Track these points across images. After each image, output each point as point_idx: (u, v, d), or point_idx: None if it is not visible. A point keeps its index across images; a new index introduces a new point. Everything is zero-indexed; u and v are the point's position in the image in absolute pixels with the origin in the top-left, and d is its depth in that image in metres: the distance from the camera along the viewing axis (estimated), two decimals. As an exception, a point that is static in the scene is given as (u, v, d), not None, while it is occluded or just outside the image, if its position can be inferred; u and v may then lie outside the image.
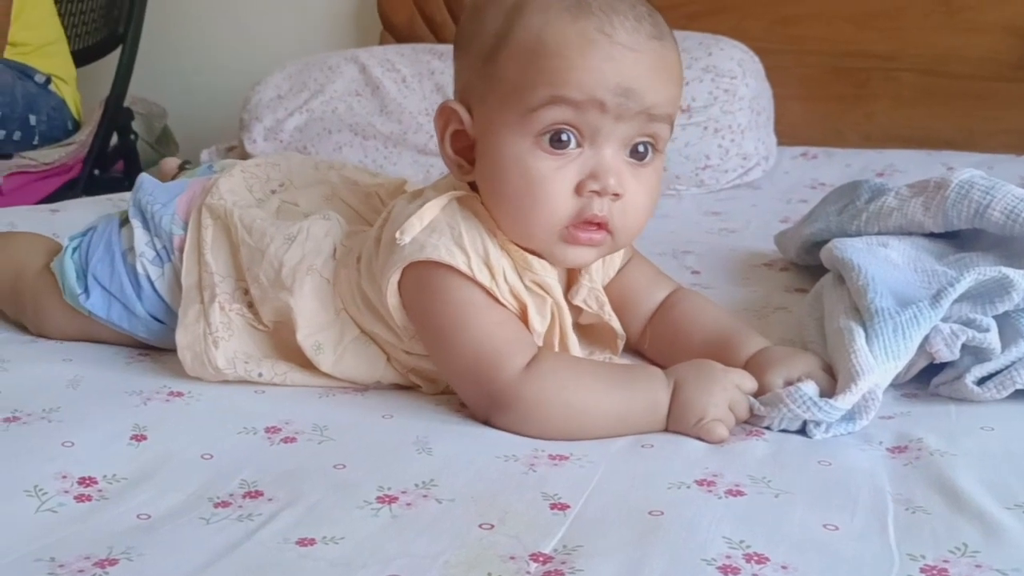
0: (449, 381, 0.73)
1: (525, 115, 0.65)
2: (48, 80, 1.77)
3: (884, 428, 0.66)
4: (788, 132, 1.61)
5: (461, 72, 0.72)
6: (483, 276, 0.68)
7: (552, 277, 0.70)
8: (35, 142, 1.74)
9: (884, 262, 0.80)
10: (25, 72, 1.72)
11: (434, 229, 0.68)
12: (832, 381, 0.66)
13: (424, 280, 0.68)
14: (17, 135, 1.70)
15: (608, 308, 0.76)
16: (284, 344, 0.75)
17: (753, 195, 1.47)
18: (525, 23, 0.66)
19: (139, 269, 0.79)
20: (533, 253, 0.70)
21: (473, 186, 0.72)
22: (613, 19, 0.65)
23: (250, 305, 0.76)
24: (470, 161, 0.71)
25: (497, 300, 0.68)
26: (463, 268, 0.67)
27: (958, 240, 0.90)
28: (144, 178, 0.84)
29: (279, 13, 2.09)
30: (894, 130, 1.61)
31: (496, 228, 0.69)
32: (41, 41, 1.79)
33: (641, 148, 0.68)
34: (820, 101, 1.66)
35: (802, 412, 0.64)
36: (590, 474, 0.60)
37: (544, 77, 0.65)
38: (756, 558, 0.50)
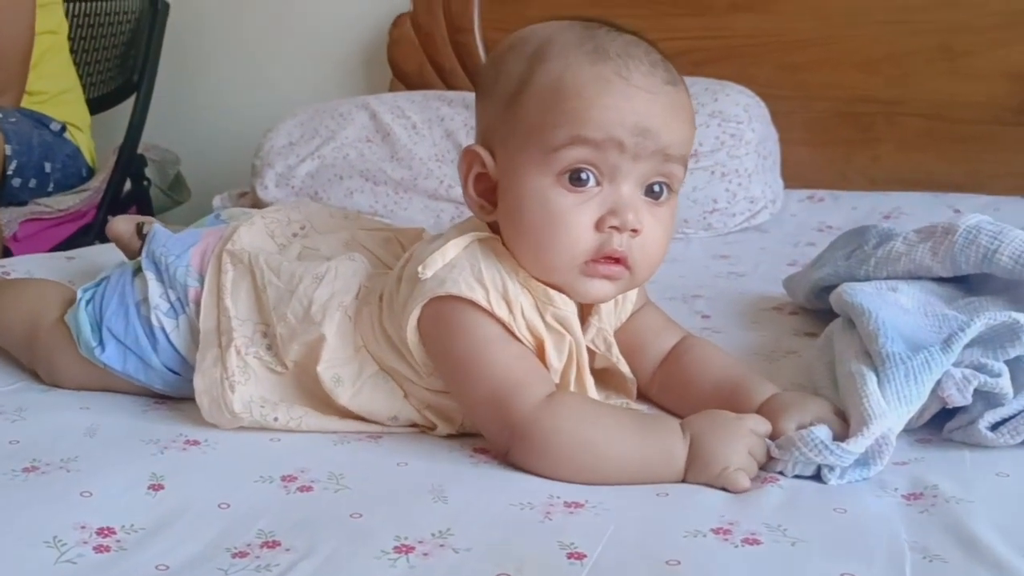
0: (468, 414, 0.73)
1: (547, 154, 0.68)
2: (63, 128, 1.79)
3: (898, 474, 0.66)
4: (795, 175, 1.63)
5: (483, 116, 0.75)
6: (501, 310, 0.69)
7: (572, 311, 0.72)
8: (50, 189, 1.76)
9: (894, 306, 0.81)
10: (41, 120, 1.75)
11: (454, 266, 0.70)
12: (845, 426, 0.67)
13: (444, 315, 0.70)
14: (33, 183, 1.72)
15: (616, 351, 0.78)
16: (302, 387, 0.76)
17: (761, 238, 1.49)
18: (546, 68, 0.69)
19: (154, 322, 0.80)
20: (555, 289, 0.71)
21: (494, 228, 0.74)
22: (629, 63, 0.68)
23: (269, 348, 0.77)
24: (492, 202, 0.73)
25: (514, 335, 0.70)
26: (481, 302, 0.69)
27: (967, 284, 0.90)
28: (158, 229, 0.86)
29: (290, 61, 2.12)
30: (900, 173, 1.62)
31: (517, 266, 0.71)
32: (57, 90, 1.82)
33: (656, 188, 0.70)
34: (826, 145, 1.68)
35: (814, 456, 0.64)
36: (606, 522, 0.60)
37: (565, 118, 0.67)
38: (774, 608, 0.50)
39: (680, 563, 0.54)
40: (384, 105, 1.69)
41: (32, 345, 0.86)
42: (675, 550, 0.56)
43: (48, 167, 1.74)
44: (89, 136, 1.89)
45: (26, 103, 1.75)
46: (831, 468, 0.64)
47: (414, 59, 1.93)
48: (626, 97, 0.67)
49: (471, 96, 1.68)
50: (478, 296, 0.69)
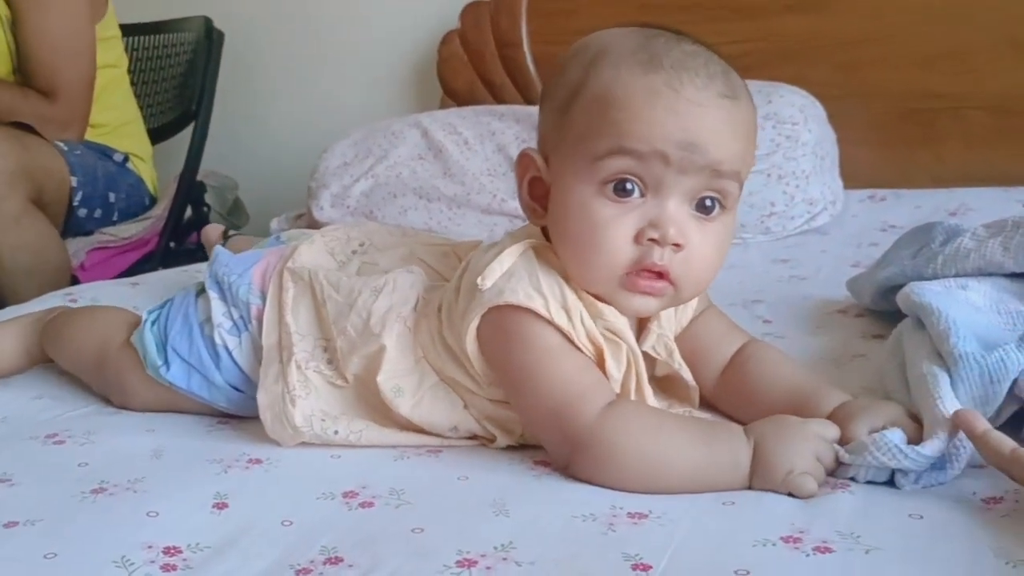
0: (528, 426, 0.73)
1: (591, 163, 0.67)
2: (126, 158, 1.84)
3: (976, 478, 0.63)
4: (855, 177, 1.59)
5: (542, 122, 0.75)
6: (561, 319, 0.69)
7: (623, 323, 0.71)
8: (114, 218, 1.81)
9: (965, 305, 0.78)
10: (104, 152, 1.80)
11: (512, 275, 0.70)
12: (919, 429, 0.64)
13: (503, 325, 0.69)
14: (98, 212, 1.77)
15: (677, 357, 0.76)
16: (362, 400, 0.76)
17: (822, 241, 1.45)
18: (598, 76, 0.68)
19: (217, 340, 0.81)
20: (602, 300, 0.70)
21: (547, 235, 0.73)
22: (683, 75, 0.66)
23: (329, 362, 0.78)
24: (544, 207, 0.73)
25: (574, 344, 0.69)
26: (541, 311, 0.68)
27: (1042, 280, 0.87)
28: (220, 251, 0.87)
29: (342, 83, 2.15)
30: (965, 170, 1.57)
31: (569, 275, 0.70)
32: (119, 121, 1.87)
33: (708, 203, 0.68)
34: (888, 145, 1.64)
35: (888, 460, 0.62)
36: (671, 532, 0.59)
37: (610, 128, 0.67)
38: (850, 619, 0.48)
39: (749, 573, 0.53)
40: (435, 122, 1.70)
41: (102, 369, 0.88)
42: (743, 560, 0.54)
43: (112, 197, 1.79)
44: (151, 165, 1.94)
45: (89, 135, 1.80)
46: (905, 473, 0.62)
47: (464, 76, 1.94)
48: (673, 110, 0.65)
49: (522, 110, 1.69)
50: (537, 305, 0.68)
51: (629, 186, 0.67)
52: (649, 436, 0.66)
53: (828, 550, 0.55)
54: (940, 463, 0.62)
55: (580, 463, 0.66)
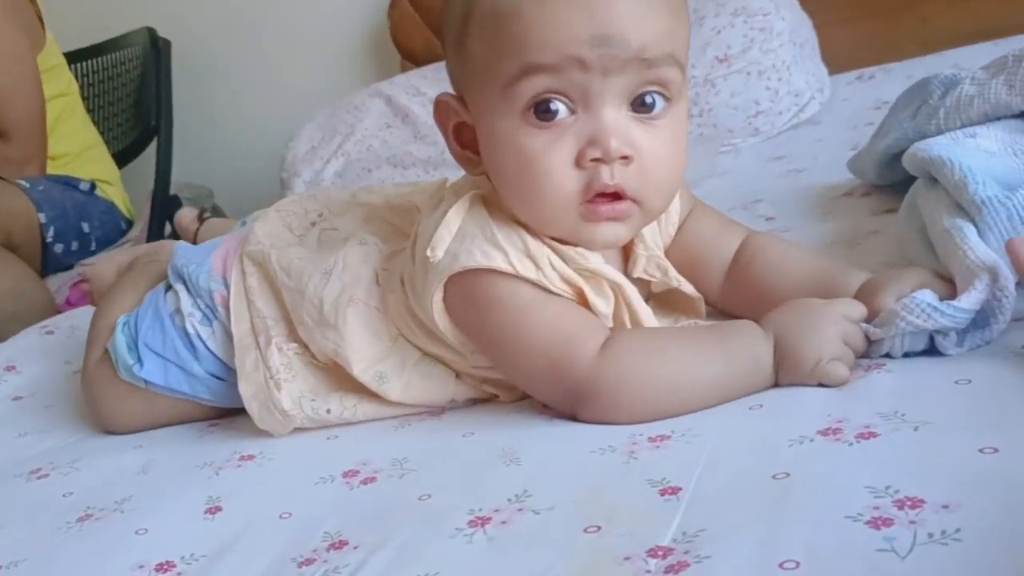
0: (525, 388, 0.67)
1: (503, 91, 0.58)
2: (93, 186, 1.78)
3: (1022, 330, 0.57)
4: (839, 59, 1.51)
5: (448, 63, 0.66)
6: (527, 269, 0.61)
7: (596, 261, 0.63)
8: (92, 248, 1.75)
9: (977, 152, 0.71)
10: (68, 183, 1.74)
11: (465, 235, 0.63)
12: (951, 288, 0.58)
13: (468, 291, 0.63)
14: (74, 245, 1.71)
15: (673, 273, 0.69)
16: (347, 377, 0.70)
17: (815, 131, 1.38)
18: None
19: (190, 329, 0.76)
20: (565, 243, 0.63)
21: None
22: None
23: (306, 345, 0.72)
24: (478, 153, 0.64)
25: (549, 291, 0.62)
26: (504, 267, 0.61)
27: (1054, 115, 0.80)
28: (178, 245, 0.83)
29: (299, 68, 2.08)
30: (954, 29, 1.48)
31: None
32: (79, 148, 1.82)
33: (648, 99, 0.59)
34: (866, 19, 1.56)
35: (923, 322, 0.55)
36: (698, 449, 0.53)
37: (508, 45, 0.57)
38: (910, 503, 0.42)
39: (789, 475, 0.47)
40: (397, 88, 1.64)
41: (85, 386, 0.83)
42: (781, 462, 0.49)
43: (86, 227, 1.74)
44: (121, 189, 1.88)
45: (51, 167, 1.74)
46: (945, 334, 0.56)
47: (419, 35, 1.87)
48: (572, 4, 0.56)
49: (483, 57, 1.62)
50: (498, 262, 0.61)
51: (553, 106, 0.58)
52: (654, 364, 0.59)
53: (873, 435, 0.49)
54: (982, 319, 0.56)
55: (590, 412, 0.60)
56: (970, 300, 0.54)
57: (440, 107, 0.65)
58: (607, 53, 0.56)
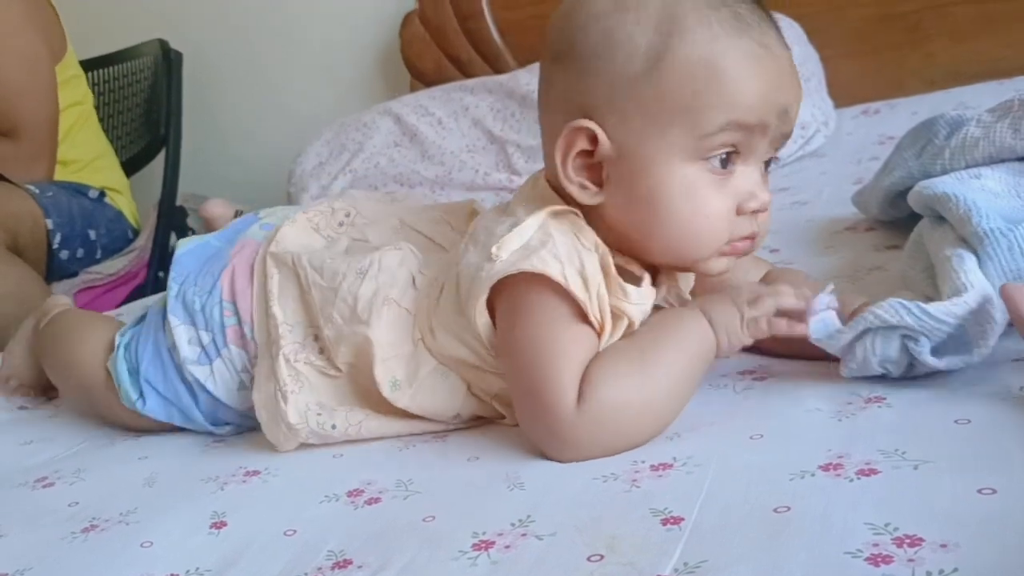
0: (513, 399, 0.66)
1: (699, 139, 0.62)
2: (102, 194, 1.80)
3: (1022, 372, 0.58)
4: (844, 92, 1.53)
5: (584, 88, 0.64)
6: (577, 287, 0.62)
7: (648, 303, 0.67)
8: (98, 256, 1.76)
9: (982, 191, 0.73)
10: (78, 190, 1.75)
11: (529, 246, 0.64)
12: None
13: (514, 295, 0.64)
14: (80, 252, 1.72)
15: (687, 297, 0.73)
16: (358, 388, 0.71)
17: (819, 163, 1.39)
18: (691, 40, 0.61)
19: (188, 377, 0.77)
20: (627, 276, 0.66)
21: (568, 202, 0.66)
22: (764, 28, 0.62)
23: (321, 351, 0.72)
24: (597, 184, 0.65)
25: (586, 317, 0.63)
26: (556, 276, 0.62)
27: (1057, 159, 0.81)
28: (180, 257, 0.81)
29: (309, 82, 2.10)
30: (959, 68, 1.51)
31: (597, 243, 0.64)
32: (90, 156, 1.83)
33: (772, 165, 0.67)
34: (872, 54, 1.58)
35: (889, 316, 0.56)
36: (699, 479, 0.54)
37: (717, 99, 0.61)
38: (908, 541, 0.43)
39: (790, 508, 0.48)
40: (406, 107, 1.65)
41: (88, 400, 0.84)
42: (782, 496, 0.49)
43: (93, 234, 1.75)
44: (129, 198, 1.89)
45: (61, 173, 1.76)
46: (916, 339, 0.56)
47: (429, 56, 1.88)
48: (775, 73, 0.61)
49: (491, 80, 1.64)
50: (552, 270, 0.62)
51: (734, 160, 0.63)
52: (628, 388, 0.60)
53: (873, 472, 0.50)
54: (965, 345, 0.57)
55: (559, 455, 0.61)
56: (941, 309, 0.55)
57: (572, 133, 0.64)
58: (781, 125, 0.63)
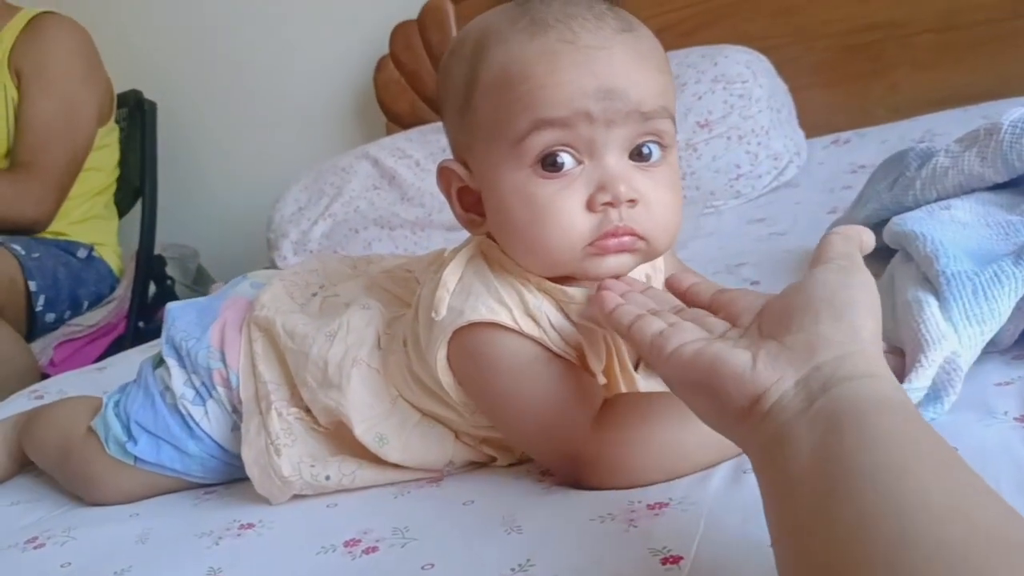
0: (523, 450, 0.68)
1: (514, 147, 0.61)
2: (91, 250, 1.78)
3: (1005, 396, 0.60)
4: (814, 123, 1.56)
5: (449, 131, 0.69)
6: (529, 327, 0.63)
7: (582, 294, 0.65)
8: (84, 309, 1.75)
9: (951, 224, 0.74)
10: (67, 249, 1.73)
11: (469, 291, 0.65)
12: (902, 360, 0.60)
13: (471, 347, 0.64)
14: (67, 314, 1.71)
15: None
16: (348, 441, 0.71)
17: (794, 193, 1.42)
18: (487, 60, 0.62)
19: (182, 411, 0.77)
20: (570, 281, 0.65)
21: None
22: (572, 24, 0.60)
23: (307, 410, 0.73)
24: (481, 214, 0.67)
25: (551, 351, 0.64)
26: (508, 323, 0.63)
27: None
28: (172, 311, 0.82)
29: (284, 131, 2.11)
30: (923, 95, 1.54)
31: (526, 273, 0.65)
32: (92, 217, 1.82)
33: (646, 149, 0.62)
34: (839, 84, 1.61)
35: None
36: (695, 517, 0.54)
37: (519, 104, 0.60)
38: (904, 572, 0.44)
39: (787, 544, 0.49)
40: (383, 150, 1.66)
41: (67, 462, 0.83)
42: (778, 531, 0.50)
43: (82, 293, 1.74)
44: (116, 244, 1.88)
45: (59, 225, 1.75)
46: None
47: (404, 98, 1.90)
48: (578, 62, 0.59)
49: (468, 120, 1.65)
50: (503, 317, 0.63)
51: (560, 159, 0.61)
52: (648, 427, 0.61)
53: (865, 503, 0.51)
54: (934, 394, 0.58)
55: (589, 478, 0.62)
56: (917, 376, 0.57)
57: (443, 173, 0.68)
58: (610, 106, 0.60)
